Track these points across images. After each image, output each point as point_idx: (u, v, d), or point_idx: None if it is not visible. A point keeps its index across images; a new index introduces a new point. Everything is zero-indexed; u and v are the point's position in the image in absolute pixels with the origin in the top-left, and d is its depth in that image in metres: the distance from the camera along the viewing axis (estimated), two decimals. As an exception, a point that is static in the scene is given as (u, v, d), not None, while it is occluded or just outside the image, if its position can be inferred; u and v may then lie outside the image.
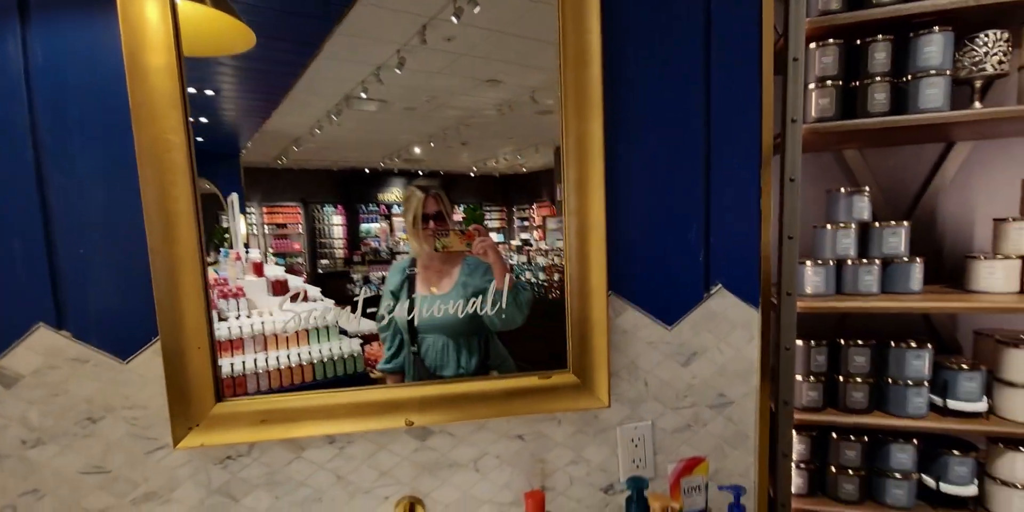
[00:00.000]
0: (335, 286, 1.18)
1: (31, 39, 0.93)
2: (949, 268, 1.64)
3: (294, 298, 1.14)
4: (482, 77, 1.12)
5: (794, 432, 1.35)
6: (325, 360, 1.14)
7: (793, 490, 1.41)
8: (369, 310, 1.09)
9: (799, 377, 1.45)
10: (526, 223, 1.31)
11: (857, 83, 1.39)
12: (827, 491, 1.49)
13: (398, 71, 1.09)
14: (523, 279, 1.17)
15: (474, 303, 1.10)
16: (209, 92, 1.01)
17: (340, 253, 1.27)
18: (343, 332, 1.14)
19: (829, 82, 1.39)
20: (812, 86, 1.40)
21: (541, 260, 1.25)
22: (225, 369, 1.04)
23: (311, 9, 1.06)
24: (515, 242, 1.30)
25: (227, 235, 1.09)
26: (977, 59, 1.33)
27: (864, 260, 1.44)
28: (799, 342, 1.42)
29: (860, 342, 1.44)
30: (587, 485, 1.21)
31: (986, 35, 1.32)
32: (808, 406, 1.47)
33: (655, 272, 1.18)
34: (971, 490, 1.39)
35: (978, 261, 1.44)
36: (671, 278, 1.19)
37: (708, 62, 1.16)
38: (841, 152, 1.67)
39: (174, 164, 0.95)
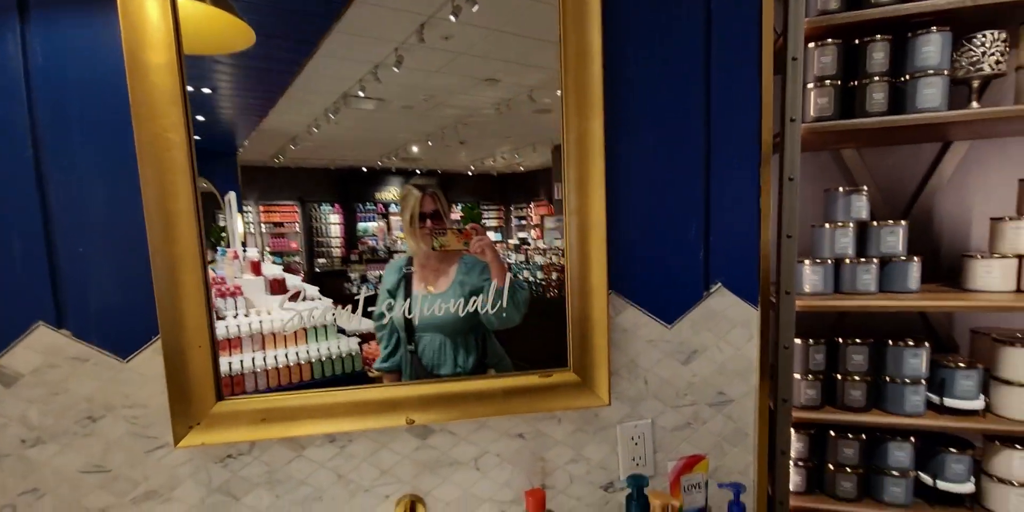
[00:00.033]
0: (332, 285, 1.17)
1: (30, 37, 0.93)
2: (946, 267, 1.65)
3: (294, 297, 1.14)
4: (480, 76, 1.12)
5: (792, 430, 1.36)
6: (323, 359, 1.13)
7: (791, 488, 1.42)
8: (367, 309, 1.09)
9: (797, 375, 1.46)
10: (523, 222, 1.31)
11: (855, 83, 1.40)
12: (825, 489, 1.50)
13: (396, 70, 1.08)
14: (521, 278, 1.17)
15: (475, 302, 1.10)
16: (206, 90, 1.01)
17: (337, 252, 1.27)
18: (341, 331, 1.14)
19: (828, 82, 1.39)
20: (811, 86, 1.40)
21: (539, 259, 1.26)
22: (223, 368, 1.04)
23: (310, 7, 1.05)
24: (512, 241, 1.30)
25: (224, 234, 1.09)
26: (975, 59, 1.34)
27: (862, 259, 1.45)
28: (797, 341, 1.43)
29: (858, 341, 1.44)
30: (587, 483, 1.21)
31: (983, 35, 1.32)
32: (806, 404, 1.47)
33: (655, 271, 1.18)
34: (968, 487, 1.40)
35: (975, 260, 1.45)
36: (671, 277, 1.19)
37: (708, 62, 1.16)
38: (839, 151, 1.67)
39: (174, 163, 0.95)
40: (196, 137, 0.98)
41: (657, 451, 1.23)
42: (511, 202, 1.29)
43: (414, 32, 1.07)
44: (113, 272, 0.99)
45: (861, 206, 1.48)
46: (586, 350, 1.12)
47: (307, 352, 1.13)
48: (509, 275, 1.13)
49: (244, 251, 1.13)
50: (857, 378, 1.44)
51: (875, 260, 1.44)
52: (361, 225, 1.26)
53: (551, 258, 1.25)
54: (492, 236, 1.25)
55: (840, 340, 1.46)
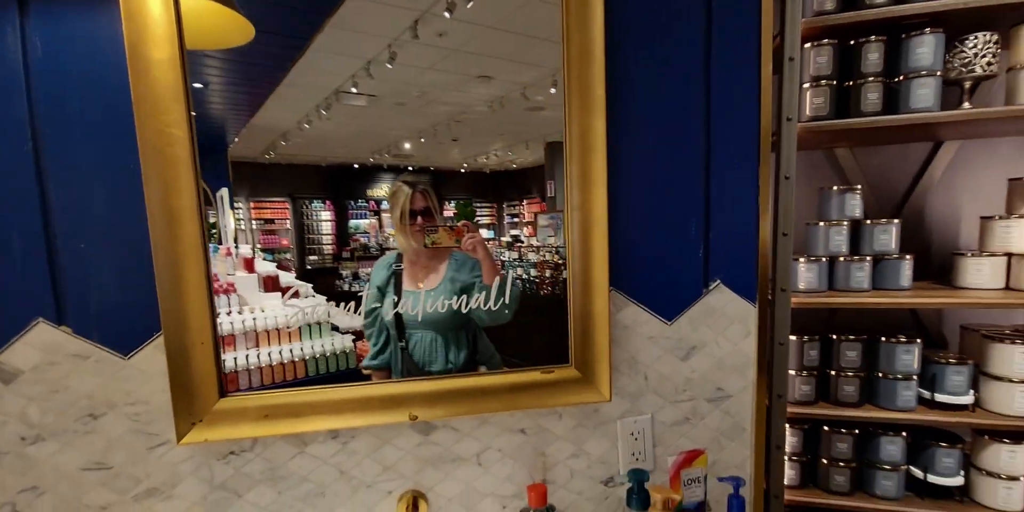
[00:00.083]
0: (324, 282, 1.17)
1: (30, 30, 0.92)
2: (936, 265, 1.68)
3: (295, 294, 1.14)
4: (474, 73, 1.11)
5: (787, 425, 1.38)
6: (317, 356, 1.14)
7: (786, 482, 1.44)
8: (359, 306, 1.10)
9: (792, 371, 1.48)
10: (516, 219, 1.31)
11: (851, 83, 1.42)
12: (819, 483, 1.53)
13: (389, 66, 1.08)
14: (514, 275, 1.17)
15: (477, 299, 1.10)
16: (197, 85, 0.99)
17: (329, 249, 1.27)
18: (335, 328, 1.14)
19: (823, 82, 1.41)
20: (807, 85, 1.42)
21: (532, 256, 1.26)
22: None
23: (303, 2, 1.05)
24: (505, 238, 1.30)
25: (215, 230, 1.08)
26: (967, 60, 1.36)
27: (856, 257, 1.47)
28: (792, 337, 1.45)
29: (851, 337, 1.47)
30: (587, 478, 1.22)
31: (976, 37, 1.35)
32: (801, 400, 1.50)
33: (655, 268, 1.19)
34: (957, 481, 1.43)
35: (965, 258, 1.47)
36: (671, 274, 1.20)
37: (708, 61, 1.17)
38: (832, 150, 1.69)
39: (177, 159, 0.94)
40: (191, 133, 0.97)
41: (656, 446, 1.24)
42: (504, 199, 1.30)
43: (408, 28, 1.06)
44: (114, 268, 0.98)
45: (855, 205, 1.51)
46: (587, 346, 1.13)
47: (301, 349, 1.13)
48: (502, 272, 1.13)
49: (236, 248, 1.12)
50: (850, 374, 1.47)
51: (868, 258, 1.47)
52: (353, 222, 1.26)
53: (544, 255, 1.25)
54: (485, 233, 1.26)
55: (834, 336, 1.49)
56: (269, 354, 1.10)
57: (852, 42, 1.41)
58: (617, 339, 1.18)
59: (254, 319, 1.10)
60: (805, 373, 1.49)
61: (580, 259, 1.11)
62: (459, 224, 1.12)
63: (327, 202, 1.27)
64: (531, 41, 1.14)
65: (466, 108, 1.15)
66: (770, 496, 1.36)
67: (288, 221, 1.25)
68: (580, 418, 1.20)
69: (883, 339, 1.44)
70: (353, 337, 1.14)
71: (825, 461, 1.50)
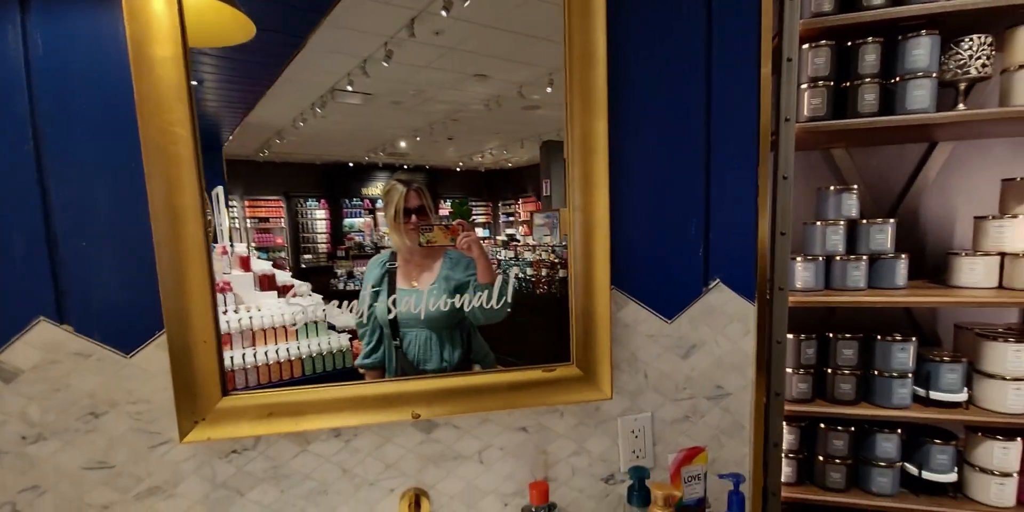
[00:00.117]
0: (319, 281, 1.18)
1: (31, 27, 0.91)
2: (931, 265, 1.70)
3: (284, 293, 1.14)
4: (470, 72, 1.11)
5: (784, 423, 1.39)
6: (314, 355, 1.14)
7: (783, 479, 1.45)
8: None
9: (789, 369, 1.50)
10: (511, 218, 1.32)
11: (848, 84, 1.43)
12: (815, 480, 1.54)
13: (385, 64, 1.08)
14: (511, 274, 1.18)
15: (474, 297, 1.10)
16: (192, 82, 0.99)
17: (323, 248, 1.27)
18: (331, 327, 1.14)
19: (821, 82, 1.43)
20: (804, 86, 1.44)
21: (528, 255, 1.27)
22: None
23: (302, 0, 1.04)
24: (501, 237, 1.31)
25: (209, 229, 1.08)
26: (962, 62, 1.38)
27: (852, 256, 1.49)
28: (790, 336, 1.47)
29: (848, 335, 1.48)
30: (588, 475, 1.23)
31: (971, 39, 1.36)
32: (798, 398, 1.51)
33: (656, 267, 1.20)
34: (951, 477, 1.45)
35: (960, 257, 1.49)
36: (671, 273, 1.21)
37: (709, 62, 1.18)
38: (829, 150, 1.71)
39: (180, 157, 0.94)
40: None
41: (656, 444, 1.25)
42: (499, 198, 1.30)
43: (404, 26, 1.06)
44: (115, 267, 0.97)
45: (851, 204, 1.52)
46: (589, 345, 1.14)
47: (298, 348, 1.13)
48: (497, 271, 1.13)
49: (232, 247, 1.12)
50: (847, 372, 1.48)
51: (865, 257, 1.48)
52: (347, 221, 1.26)
53: (540, 254, 1.26)
54: (480, 232, 1.26)
55: (831, 335, 1.50)
56: (266, 353, 1.11)
57: (849, 43, 1.42)
58: (618, 337, 1.18)
59: (250, 318, 1.11)
60: (802, 371, 1.51)
61: (582, 259, 1.12)
62: (454, 223, 1.12)
63: (322, 201, 1.27)
64: (528, 40, 1.14)
65: (462, 107, 1.15)
66: (768, 493, 1.37)
67: (283, 220, 1.25)
68: (581, 416, 1.21)
69: (879, 337, 1.46)
70: (350, 336, 1.14)
71: (821, 458, 1.52)
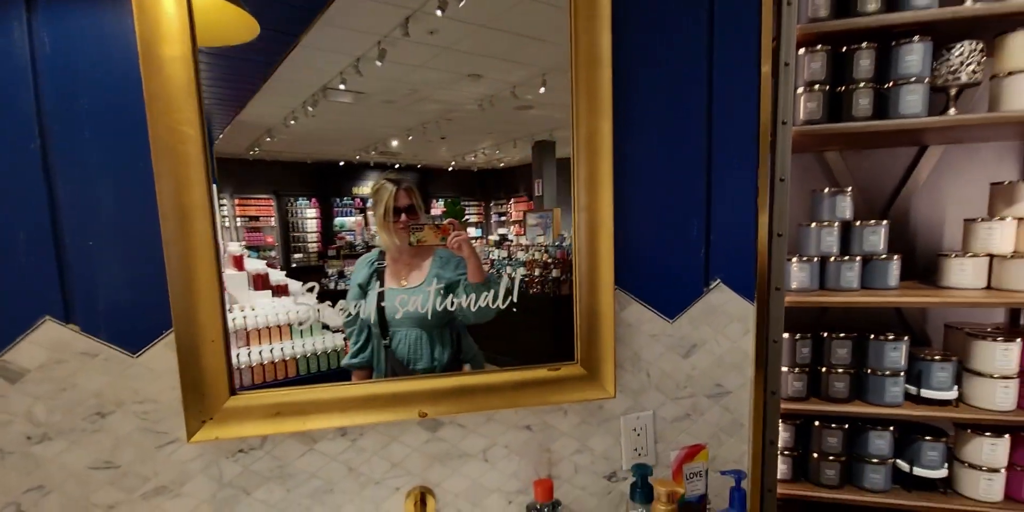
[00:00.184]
0: (310, 280, 1.17)
1: (37, 25, 0.91)
2: (921, 266, 1.73)
3: (280, 291, 1.15)
4: (464, 71, 1.12)
5: (780, 421, 1.42)
6: (308, 355, 1.14)
7: (778, 476, 1.48)
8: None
9: (785, 368, 1.52)
10: (503, 218, 1.33)
11: (843, 88, 1.46)
12: (810, 476, 1.57)
13: (379, 63, 1.08)
14: (516, 274, 1.19)
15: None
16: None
17: (314, 247, 1.27)
18: (325, 327, 1.14)
19: (816, 87, 1.45)
20: (800, 90, 1.46)
21: (521, 255, 1.28)
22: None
23: (296, -2, 1.04)
24: (493, 237, 1.31)
25: None
26: (953, 68, 1.42)
27: (846, 257, 1.52)
28: (785, 335, 1.49)
29: (842, 335, 1.51)
30: (591, 473, 1.25)
31: (962, 46, 1.40)
32: (793, 396, 1.54)
33: (658, 267, 1.22)
34: (941, 473, 1.49)
35: (950, 259, 1.53)
36: (673, 273, 1.23)
37: (710, 66, 1.20)
38: (822, 153, 1.74)
39: (189, 156, 0.94)
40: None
41: (658, 442, 1.27)
42: (491, 198, 1.31)
43: (399, 25, 1.06)
44: (122, 266, 0.97)
45: (845, 206, 1.55)
46: (593, 344, 1.15)
47: (292, 348, 1.13)
48: (488, 270, 1.14)
49: (225, 246, 1.12)
50: (841, 370, 1.51)
51: (858, 258, 1.51)
52: (338, 220, 1.26)
53: (534, 254, 1.27)
54: (472, 232, 1.27)
55: (825, 334, 1.53)
56: (260, 353, 1.11)
57: (844, 48, 1.45)
58: (621, 337, 1.20)
59: (244, 318, 1.10)
60: (798, 370, 1.54)
61: (586, 259, 1.13)
62: (445, 222, 1.12)
63: (312, 199, 1.27)
64: (522, 40, 1.15)
65: (456, 106, 1.15)
66: (764, 490, 1.39)
67: (273, 218, 1.24)
68: (584, 415, 1.22)
69: (872, 337, 1.49)
70: (344, 336, 1.14)
71: (816, 455, 1.54)
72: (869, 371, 1.50)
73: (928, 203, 1.73)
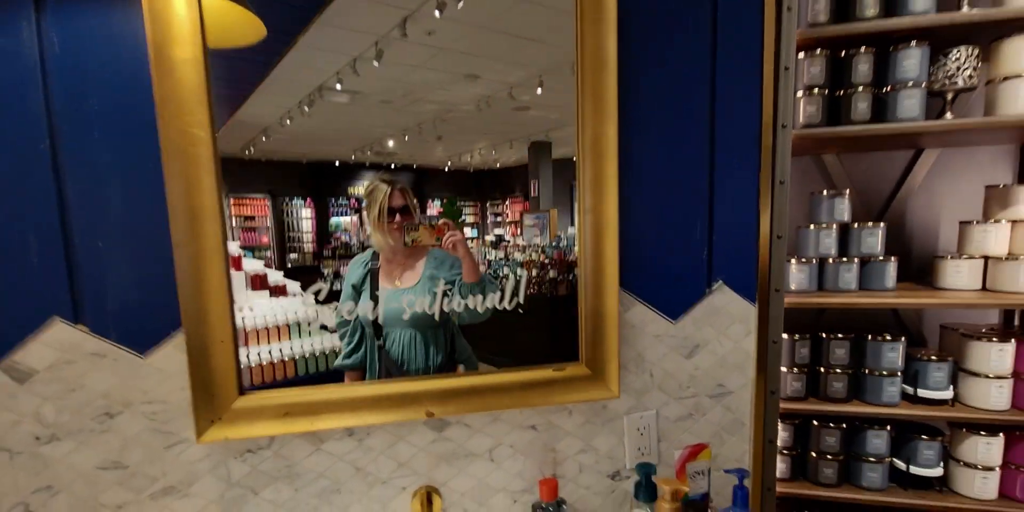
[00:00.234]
0: (305, 281, 1.18)
1: (46, 24, 0.91)
2: (916, 267, 1.76)
3: (278, 292, 1.15)
4: (461, 72, 1.12)
5: (779, 420, 1.44)
6: (307, 356, 1.15)
7: (777, 474, 1.50)
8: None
9: (784, 368, 1.54)
10: (499, 218, 1.33)
11: (841, 92, 1.48)
12: (808, 475, 1.59)
13: (376, 63, 1.08)
14: (522, 275, 1.20)
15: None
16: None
17: (309, 247, 1.27)
18: (323, 327, 1.15)
19: (816, 90, 1.47)
20: (800, 94, 1.48)
21: (518, 256, 1.29)
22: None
23: (300, -2, 1.04)
24: (489, 237, 1.32)
25: None
26: (950, 73, 1.44)
27: (844, 259, 1.54)
28: (784, 335, 1.51)
29: (840, 335, 1.53)
30: (595, 472, 1.26)
31: (959, 51, 1.42)
32: (792, 396, 1.56)
33: (662, 269, 1.23)
34: (937, 472, 1.51)
35: (945, 261, 1.55)
36: (676, 275, 1.24)
37: (713, 69, 1.21)
38: (820, 156, 1.76)
39: (199, 158, 0.95)
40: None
41: (661, 441, 1.28)
42: (487, 198, 1.32)
43: (396, 26, 1.07)
44: (132, 267, 0.98)
45: (843, 209, 1.57)
46: (598, 345, 1.16)
47: (291, 348, 1.14)
48: (482, 270, 1.15)
49: None
50: (839, 371, 1.53)
51: (856, 260, 1.53)
52: (333, 220, 1.26)
53: (531, 255, 1.28)
54: (468, 232, 1.28)
55: (824, 335, 1.55)
56: (259, 354, 1.11)
57: (843, 53, 1.47)
58: (625, 338, 1.21)
59: (242, 318, 1.10)
60: (796, 370, 1.55)
61: (592, 261, 1.14)
62: (439, 222, 1.13)
63: (308, 199, 1.27)
64: (520, 41, 1.16)
65: (452, 107, 1.15)
66: (763, 489, 1.41)
67: (268, 218, 1.25)
68: (589, 414, 1.23)
69: (870, 338, 1.51)
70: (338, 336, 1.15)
71: (814, 454, 1.56)
72: (867, 371, 1.52)
73: (924, 206, 1.76)
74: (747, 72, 1.24)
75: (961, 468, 1.51)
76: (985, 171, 1.69)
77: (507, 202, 1.34)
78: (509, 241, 1.32)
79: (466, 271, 1.13)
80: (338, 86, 1.10)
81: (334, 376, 1.14)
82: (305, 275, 1.20)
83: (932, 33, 1.41)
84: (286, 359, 1.13)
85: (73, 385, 0.97)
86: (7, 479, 0.96)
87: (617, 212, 1.13)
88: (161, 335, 1.00)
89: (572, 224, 1.31)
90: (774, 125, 1.34)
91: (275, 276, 1.19)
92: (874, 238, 1.54)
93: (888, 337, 1.49)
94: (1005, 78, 1.40)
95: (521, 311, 1.14)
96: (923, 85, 1.42)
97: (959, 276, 1.53)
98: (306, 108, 1.11)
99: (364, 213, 1.13)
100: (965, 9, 1.39)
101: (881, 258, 1.54)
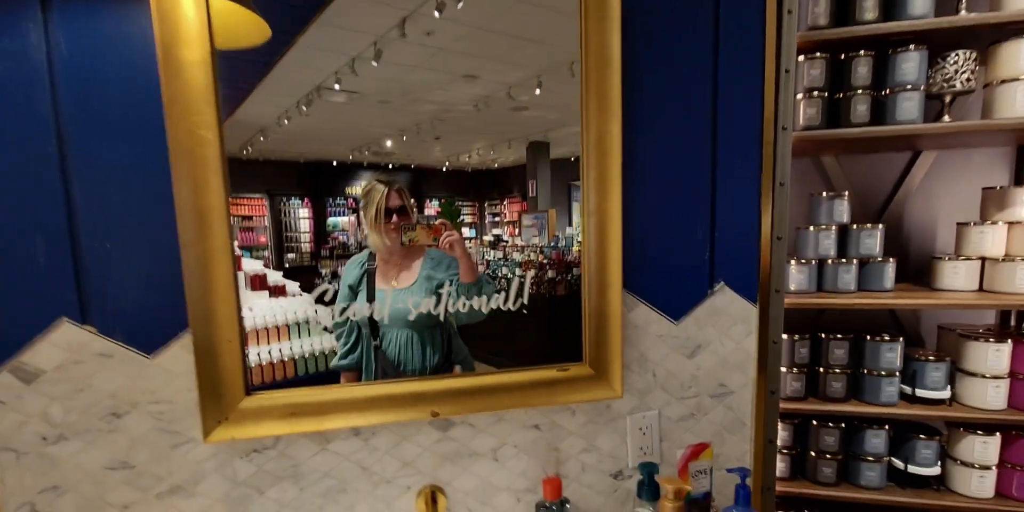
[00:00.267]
0: (302, 281, 1.18)
1: (53, 26, 0.91)
2: (913, 268, 1.77)
3: (277, 292, 1.16)
4: (460, 72, 1.12)
5: (779, 420, 1.45)
6: (306, 356, 1.15)
7: (777, 473, 1.51)
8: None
9: (784, 369, 1.56)
10: (497, 219, 1.34)
11: (841, 95, 1.50)
12: (807, 475, 1.60)
13: (374, 63, 1.08)
14: (527, 275, 1.20)
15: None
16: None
17: (307, 247, 1.27)
18: (325, 328, 1.15)
19: (816, 93, 1.49)
20: (800, 96, 1.50)
21: (517, 256, 1.30)
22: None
23: (300, -2, 1.04)
24: (487, 238, 1.33)
25: None
26: (948, 76, 1.45)
27: (843, 260, 1.55)
28: (784, 336, 1.52)
29: (839, 336, 1.55)
30: (598, 471, 1.27)
31: (956, 54, 1.44)
32: (792, 396, 1.57)
33: (665, 270, 1.24)
34: (935, 471, 1.52)
35: (943, 262, 1.57)
36: (679, 276, 1.25)
37: (715, 72, 1.22)
38: (819, 157, 1.78)
39: (207, 159, 0.95)
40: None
41: (663, 440, 1.29)
42: (485, 198, 1.32)
43: (395, 26, 1.07)
44: (139, 268, 0.98)
45: (842, 210, 1.59)
46: (601, 345, 1.17)
47: (290, 349, 1.14)
48: (485, 270, 1.15)
49: None
50: (838, 371, 1.55)
51: (855, 261, 1.55)
52: (331, 220, 1.26)
53: (529, 255, 1.29)
54: (467, 232, 1.28)
55: (823, 335, 1.57)
56: (258, 354, 1.11)
57: (843, 56, 1.49)
58: (628, 338, 1.22)
59: (242, 319, 1.11)
60: (796, 370, 1.57)
61: (596, 262, 1.15)
62: (436, 222, 1.13)
63: (305, 199, 1.27)
64: (519, 42, 1.16)
65: (451, 107, 1.15)
66: (763, 488, 1.42)
67: (266, 218, 1.25)
68: (592, 414, 1.24)
69: (869, 338, 1.53)
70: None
71: (814, 454, 1.58)
72: (865, 371, 1.54)
73: (922, 207, 1.77)
74: (748, 72, 1.24)
75: (958, 467, 1.52)
76: (982, 173, 1.71)
77: (505, 202, 1.35)
78: (507, 241, 1.32)
79: (463, 271, 1.13)
80: (336, 86, 1.09)
81: (333, 376, 1.14)
82: (303, 275, 1.20)
83: (930, 37, 1.43)
84: (286, 359, 1.13)
85: (80, 385, 0.98)
86: (14, 479, 0.96)
87: (621, 212, 1.13)
88: (168, 336, 1.00)
89: (570, 224, 1.32)
90: (775, 127, 1.35)
91: (275, 276, 1.19)
92: (873, 239, 1.56)
93: (886, 337, 1.51)
94: (1002, 81, 1.41)
95: (525, 312, 1.15)
96: (921, 88, 1.43)
97: (956, 277, 1.55)
98: (304, 108, 1.11)
99: (361, 213, 1.14)
100: (963, 13, 1.41)
101: (880, 259, 1.55)
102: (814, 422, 1.57)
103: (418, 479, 1.16)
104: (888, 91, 1.46)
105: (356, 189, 1.19)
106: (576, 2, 1.10)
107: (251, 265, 1.18)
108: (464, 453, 1.18)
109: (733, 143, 1.25)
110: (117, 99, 0.94)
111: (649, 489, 1.15)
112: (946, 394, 1.50)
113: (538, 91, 1.16)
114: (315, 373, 1.15)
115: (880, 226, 1.55)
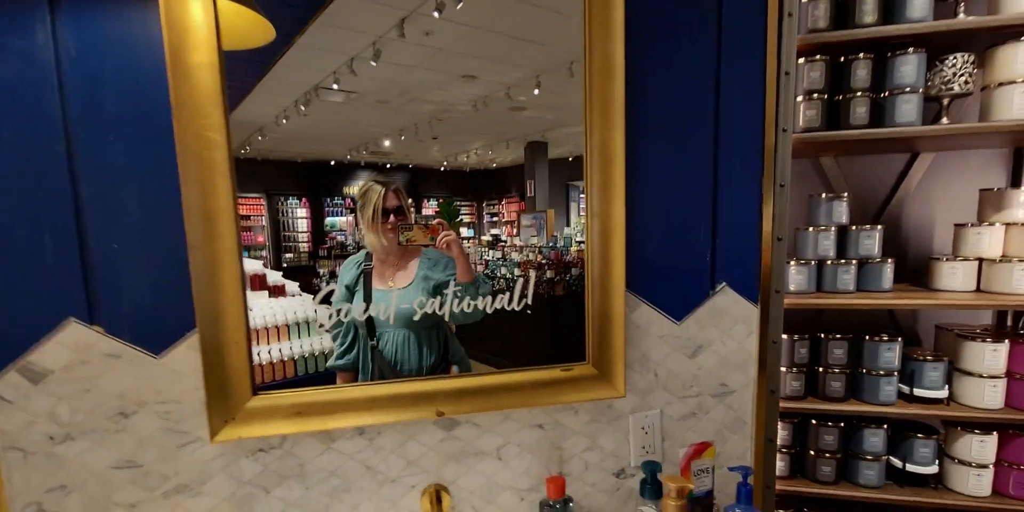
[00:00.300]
0: (301, 281, 1.18)
1: (61, 28, 0.91)
2: (911, 269, 1.79)
3: (277, 292, 1.16)
4: (458, 72, 1.12)
5: (779, 419, 1.46)
6: (307, 356, 1.16)
7: (776, 472, 1.52)
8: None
9: (783, 368, 1.57)
10: (495, 219, 1.34)
11: (840, 97, 1.51)
12: (806, 473, 1.62)
13: (373, 63, 1.08)
14: (499, 275, 1.21)
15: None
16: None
17: (305, 247, 1.27)
18: (320, 325, 1.16)
19: (815, 95, 1.50)
20: (800, 99, 1.51)
21: (516, 256, 1.30)
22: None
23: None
24: (486, 238, 1.33)
25: None
26: (946, 79, 1.47)
27: (842, 260, 1.57)
28: (784, 336, 1.53)
29: (838, 336, 1.56)
30: (601, 470, 1.28)
31: (955, 57, 1.45)
32: (791, 395, 1.59)
33: (667, 271, 1.25)
34: (932, 469, 1.54)
35: (941, 262, 1.58)
36: (681, 277, 1.26)
37: (718, 75, 1.23)
38: (818, 159, 1.79)
39: (214, 162, 0.95)
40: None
41: (665, 439, 1.30)
42: (483, 198, 1.33)
43: (394, 26, 1.07)
44: (147, 268, 0.98)
45: (842, 211, 1.60)
46: (604, 345, 1.18)
47: (290, 349, 1.15)
48: (483, 270, 1.15)
49: None
50: (837, 370, 1.56)
51: (854, 261, 1.56)
52: (329, 220, 1.26)
53: (528, 255, 1.29)
54: (465, 232, 1.29)
55: (822, 335, 1.58)
56: (258, 354, 1.12)
57: (843, 59, 1.50)
58: (631, 338, 1.23)
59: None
60: (796, 370, 1.58)
61: (599, 263, 1.16)
62: (433, 222, 1.13)
63: (303, 199, 1.28)
64: (517, 42, 1.16)
65: (449, 107, 1.15)
66: (763, 486, 1.43)
67: (263, 218, 1.25)
68: (595, 413, 1.25)
69: (867, 338, 1.54)
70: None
71: (813, 453, 1.59)
72: (864, 371, 1.55)
73: (919, 208, 1.79)
74: (749, 74, 1.26)
75: (956, 465, 1.54)
76: (979, 174, 1.73)
77: (503, 202, 1.35)
78: (506, 241, 1.33)
79: (460, 271, 1.13)
80: (335, 86, 1.10)
81: (332, 376, 1.15)
82: (301, 275, 1.20)
83: (929, 40, 1.44)
84: (286, 359, 1.14)
85: (88, 385, 0.98)
86: (21, 478, 0.97)
87: (624, 215, 1.14)
88: (176, 336, 1.01)
89: (568, 224, 1.33)
90: (775, 129, 1.37)
91: (274, 276, 1.20)
92: (871, 240, 1.57)
93: (885, 337, 1.52)
94: (1000, 84, 1.43)
95: (529, 312, 1.16)
96: (920, 90, 1.45)
97: (954, 278, 1.57)
98: (302, 107, 1.11)
99: (359, 214, 1.14)
100: (961, 16, 1.43)
101: (878, 260, 1.57)
102: (813, 421, 1.59)
103: (423, 478, 1.17)
104: (887, 93, 1.48)
105: (354, 189, 1.19)
106: (576, 3, 1.10)
107: (251, 265, 1.18)
108: (468, 452, 1.19)
109: (734, 145, 1.26)
110: (126, 101, 0.95)
111: (652, 487, 1.16)
112: (944, 393, 1.52)
113: (536, 91, 1.17)
114: (315, 373, 1.15)
115: (879, 227, 1.57)
